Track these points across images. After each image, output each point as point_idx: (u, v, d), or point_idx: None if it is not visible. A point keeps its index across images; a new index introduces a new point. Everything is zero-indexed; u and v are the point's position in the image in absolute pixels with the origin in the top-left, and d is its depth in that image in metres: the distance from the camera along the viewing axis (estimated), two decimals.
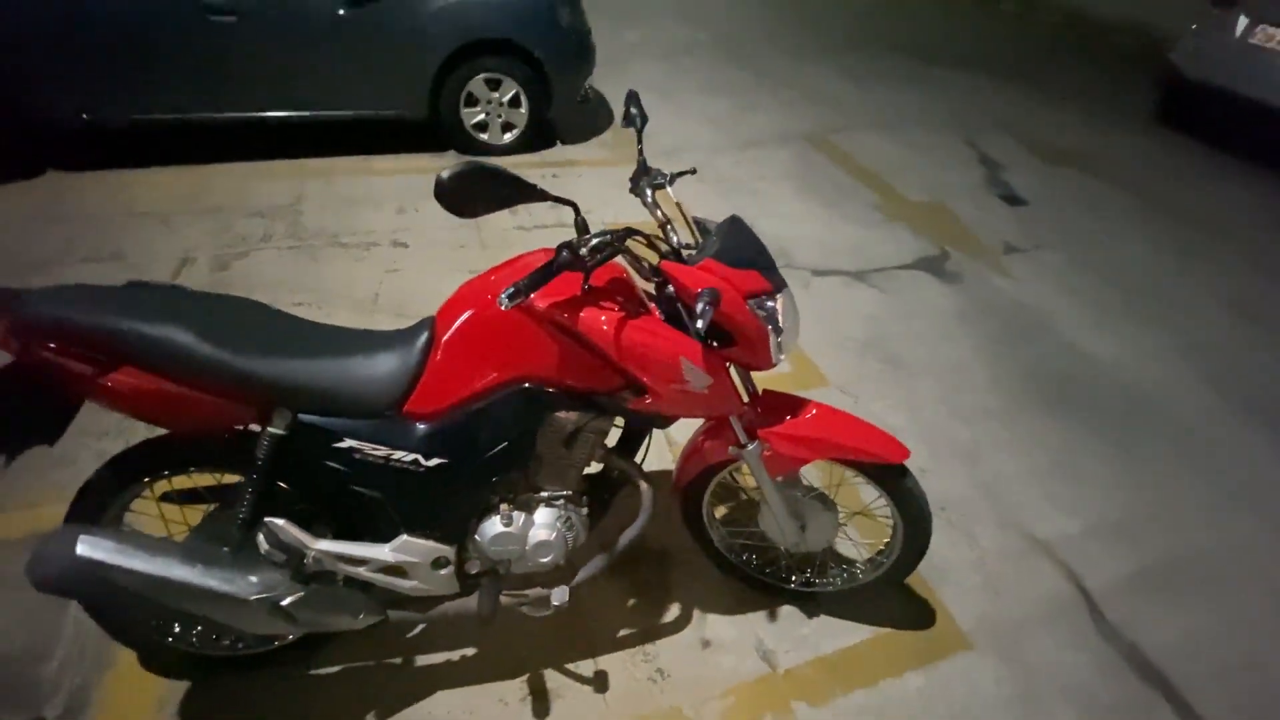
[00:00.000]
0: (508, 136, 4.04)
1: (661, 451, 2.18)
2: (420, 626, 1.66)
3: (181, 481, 1.36)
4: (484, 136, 3.98)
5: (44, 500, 1.86)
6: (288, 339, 1.23)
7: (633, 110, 1.45)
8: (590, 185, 3.87)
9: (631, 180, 1.46)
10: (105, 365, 1.10)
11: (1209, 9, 5.33)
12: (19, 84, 3.10)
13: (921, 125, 5.23)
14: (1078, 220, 4.05)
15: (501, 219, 3.41)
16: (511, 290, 1.04)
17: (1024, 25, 9.41)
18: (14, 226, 2.97)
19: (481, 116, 3.90)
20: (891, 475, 1.48)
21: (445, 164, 3.64)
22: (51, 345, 1.07)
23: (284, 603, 1.21)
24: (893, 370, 2.70)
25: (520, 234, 3.33)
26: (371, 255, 3.03)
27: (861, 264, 3.37)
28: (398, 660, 1.60)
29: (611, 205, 3.62)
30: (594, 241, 1.11)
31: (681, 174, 1.49)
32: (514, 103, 3.93)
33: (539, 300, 1.18)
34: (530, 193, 1.06)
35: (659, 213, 1.38)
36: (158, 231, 3.03)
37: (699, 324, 1.09)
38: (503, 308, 1.05)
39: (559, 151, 4.26)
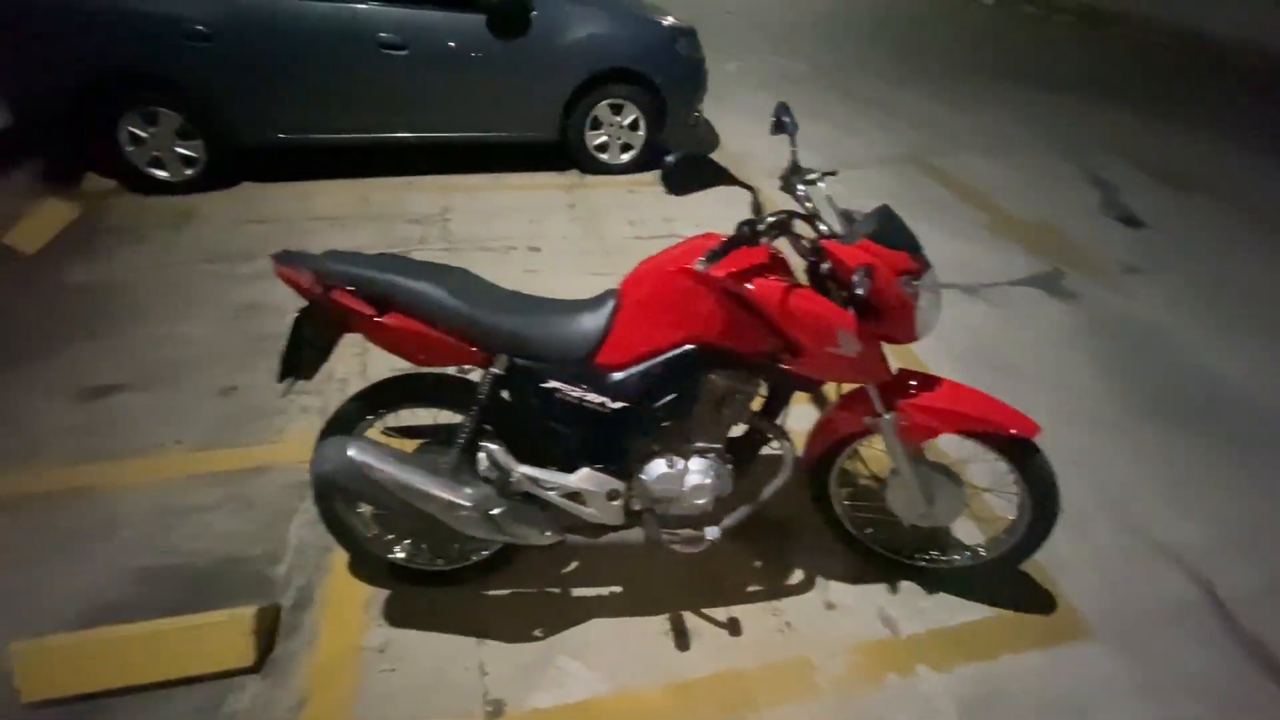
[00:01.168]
0: (625, 156, 4.38)
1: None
2: (574, 564, 1.90)
3: (403, 419, 1.67)
4: (604, 157, 4.34)
5: (262, 441, 2.25)
6: (505, 300, 1.52)
7: (785, 119, 1.68)
8: (700, 198, 4.11)
9: (782, 178, 1.67)
10: (381, 309, 1.41)
11: None
12: (228, 110, 3.71)
13: (1025, 148, 5.21)
14: (1201, 243, 3.93)
15: (622, 230, 3.72)
16: (707, 255, 1.27)
17: (1137, 51, 9.08)
18: (223, 225, 3.54)
19: (604, 138, 4.27)
20: (1023, 450, 1.59)
21: (567, 182, 4.03)
22: (350, 291, 1.39)
23: (493, 512, 1.48)
24: (1006, 379, 2.76)
25: (638, 242, 3.62)
26: (511, 259, 3.39)
27: (971, 279, 3.43)
28: (556, 589, 1.84)
29: (718, 217, 3.86)
30: (771, 219, 1.33)
31: (828, 174, 1.69)
32: (633, 126, 4.27)
33: (718, 270, 1.40)
34: (724, 177, 1.29)
35: (808, 205, 1.58)
36: (334, 233, 3.52)
37: (857, 293, 1.28)
38: (698, 269, 1.28)
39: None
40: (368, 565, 1.82)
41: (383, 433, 1.69)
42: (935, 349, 2.88)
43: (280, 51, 3.63)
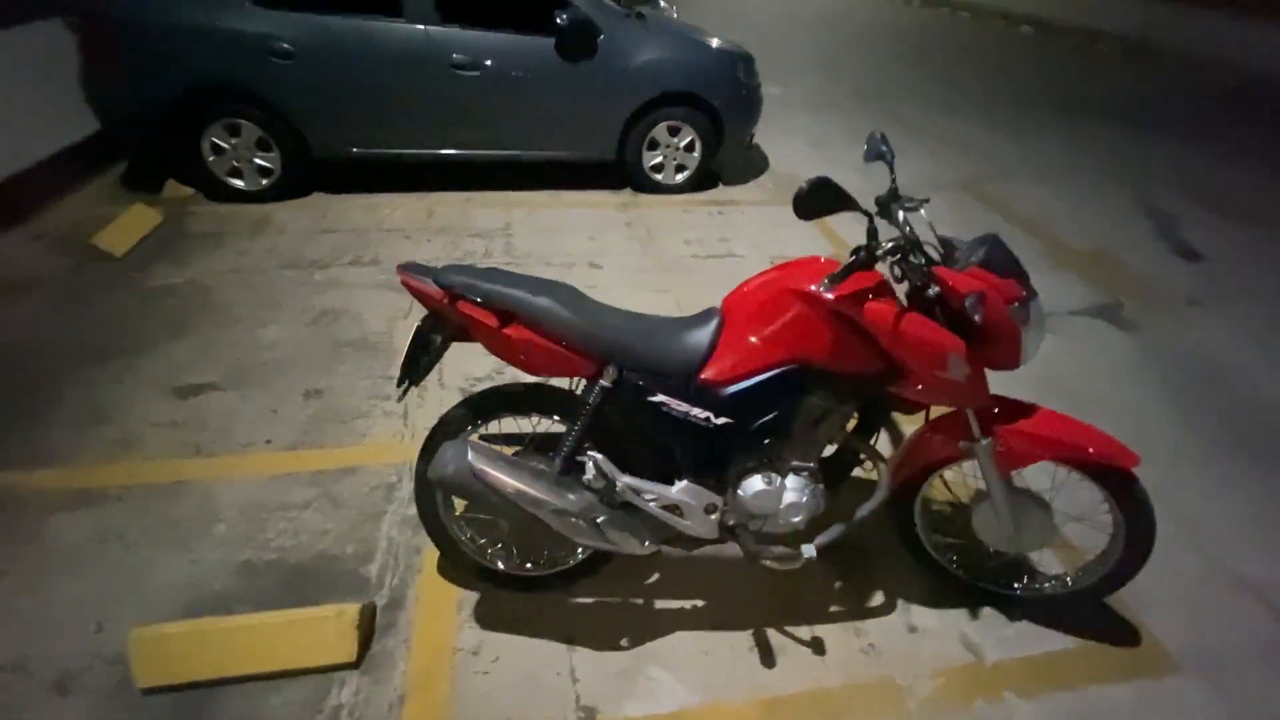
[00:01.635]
0: (679, 177, 4.46)
1: None
2: (655, 576, 1.93)
3: (504, 427, 1.72)
4: (659, 177, 4.43)
5: (348, 443, 2.33)
6: (611, 315, 1.57)
7: (883, 148, 1.72)
8: (753, 220, 4.20)
9: (878, 203, 1.71)
10: (504, 320, 1.48)
11: None
12: (306, 124, 3.87)
13: (1081, 178, 5.20)
14: (1263, 277, 3.88)
15: (679, 249, 3.78)
16: (830, 278, 1.32)
17: (1188, 82, 9.02)
18: (298, 234, 3.68)
19: (659, 159, 4.36)
20: (1120, 480, 1.59)
21: (622, 200, 4.12)
22: (477, 302, 1.46)
23: (599, 520, 1.52)
24: (1069, 407, 2.69)
25: (695, 260, 3.68)
26: (573, 274, 3.47)
27: None
28: (639, 601, 1.87)
29: (773, 238, 3.92)
30: (889, 245, 1.37)
31: (924, 201, 1.73)
32: (688, 147, 4.36)
33: (834, 292, 1.44)
34: (849, 203, 1.34)
35: (908, 230, 1.61)
36: (403, 244, 3.64)
37: (974, 319, 1.31)
38: (823, 292, 1.32)
39: (722, 192, 4.64)
40: (458, 567, 1.86)
41: (480, 438, 1.75)
42: (1001, 377, 2.87)
43: (358, 71, 3.78)
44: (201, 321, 2.91)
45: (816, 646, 1.78)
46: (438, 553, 1.88)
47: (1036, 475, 1.81)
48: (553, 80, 3.94)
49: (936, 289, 1.46)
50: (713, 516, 1.62)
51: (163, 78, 3.61)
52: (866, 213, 1.42)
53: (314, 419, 2.42)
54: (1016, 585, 1.89)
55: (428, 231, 3.80)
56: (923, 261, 1.50)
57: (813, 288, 1.40)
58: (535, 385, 1.65)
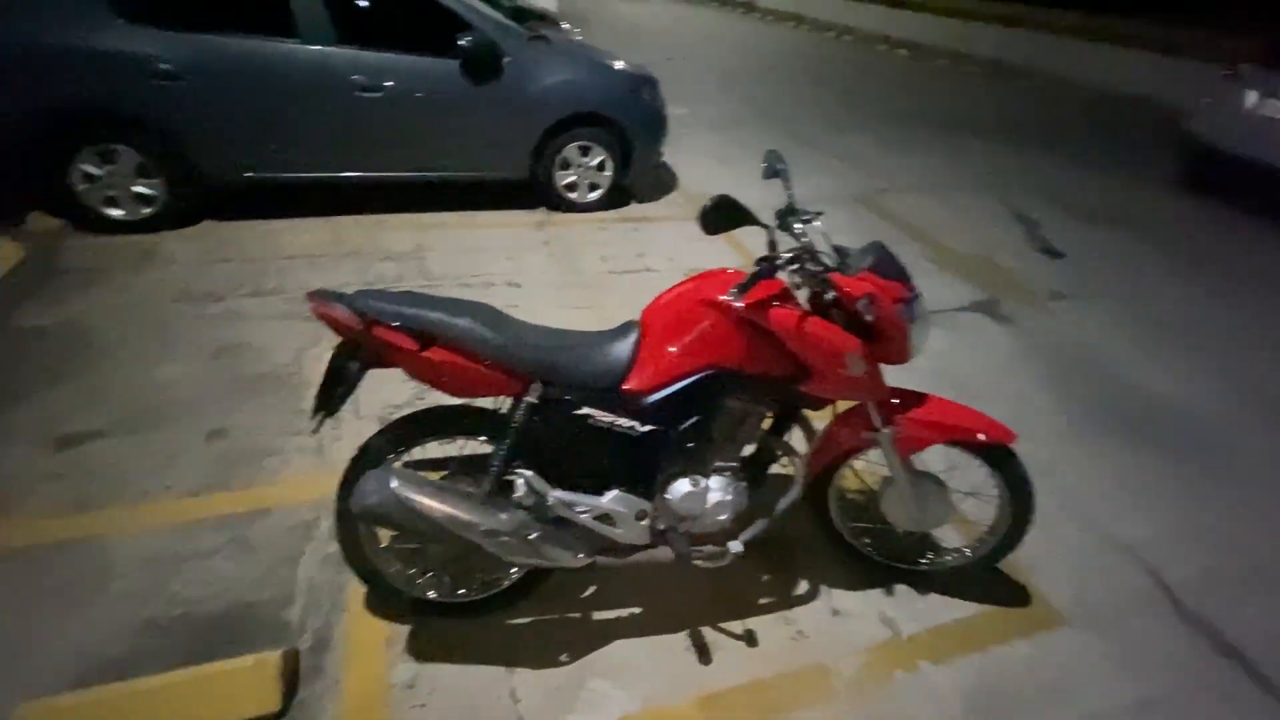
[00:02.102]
0: (592, 195, 4.54)
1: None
2: (591, 589, 1.95)
3: (428, 452, 1.70)
4: (573, 196, 4.49)
5: (259, 483, 2.21)
6: (531, 333, 1.60)
7: (779, 166, 1.85)
8: (666, 235, 4.33)
9: (777, 216, 1.83)
10: (424, 343, 1.47)
11: (1217, 83, 5.85)
12: (194, 149, 3.65)
13: (960, 188, 5.70)
14: (1117, 272, 4.41)
15: (597, 265, 3.85)
16: (739, 288, 1.41)
17: (1043, 99, 10.09)
18: (188, 265, 3.45)
19: (573, 178, 4.42)
20: (1001, 456, 1.78)
21: (538, 219, 4.15)
22: (394, 326, 1.45)
23: (531, 537, 1.53)
24: (962, 397, 2.96)
25: (613, 276, 3.75)
26: (492, 294, 3.45)
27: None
28: (577, 615, 1.88)
29: (686, 251, 4.06)
30: (789, 255, 1.48)
31: (818, 214, 1.87)
32: (600, 166, 4.45)
33: (742, 300, 1.54)
34: (750, 219, 1.44)
35: (805, 240, 1.75)
36: (308, 272, 3.49)
37: (867, 319, 1.44)
38: (732, 301, 1.41)
39: (635, 209, 4.76)
40: (388, 601, 1.81)
41: (404, 465, 1.72)
42: (899, 371, 3.10)
43: (252, 93, 3.62)
44: (82, 365, 2.67)
45: (749, 639, 1.86)
46: (364, 589, 1.82)
47: (933, 458, 1.98)
48: (459, 102, 3.93)
49: (833, 293, 1.59)
50: (644, 523, 1.66)
51: (22, 102, 3.31)
52: (766, 226, 1.53)
53: (219, 461, 2.28)
54: (923, 561, 2.05)
55: (334, 257, 3.67)
56: (820, 269, 1.63)
57: (723, 297, 1.49)
58: (457, 407, 1.64)
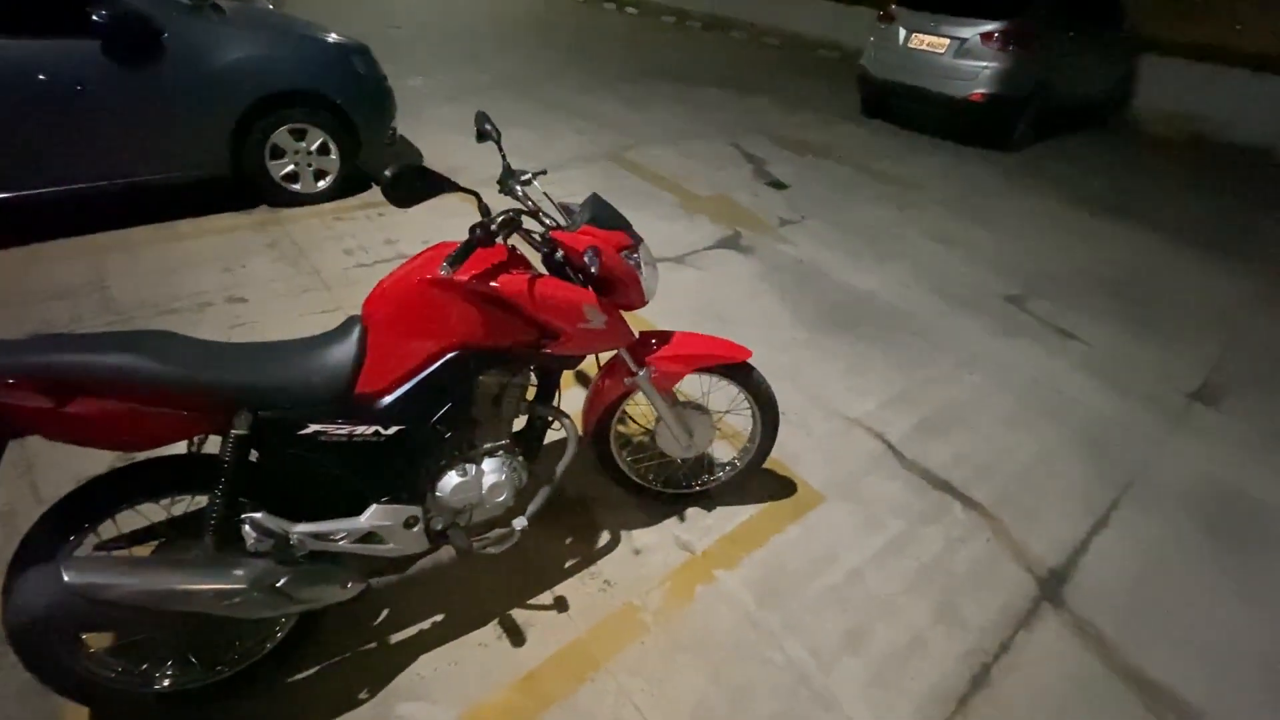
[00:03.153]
0: (321, 184, 4.05)
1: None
2: (385, 612, 1.79)
3: (122, 525, 1.39)
4: (296, 186, 3.95)
5: None
6: (226, 353, 1.36)
7: (487, 126, 1.78)
8: (416, 216, 4.03)
9: (499, 181, 1.78)
10: (62, 398, 1.16)
11: (877, 25, 7.01)
12: None
13: (696, 136, 6.14)
14: (826, 194, 5.12)
15: (339, 260, 3.46)
16: (449, 260, 1.32)
17: (754, 48, 11.21)
18: None
19: (291, 167, 3.89)
20: (743, 372, 1.97)
21: (258, 219, 3.63)
22: (10, 384, 1.12)
23: (278, 584, 1.34)
24: (722, 325, 3.29)
25: (362, 270, 3.42)
26: (208, 316, 2.93)
27: (678, 250, 3.98)
28: (373, 645, 1.72)
29: (441, 231, 3.84)
30: (500, 219, 1.43)
31: (538, 173, 1.85)
32: (323, 150, 3.96)
33: (462, 274, 1.46)
34: (447, 185, 1.35)
35: (529, 203, 1.72)
36: None
37: (592, 272, 1.46)
38: (444, 275, 1.32)
39: (376, 193, 4.34)
40: (125, 713, 1.48)
41: (98, 548, 1.39)
42: (664, 312, 3.30)
43: None
44: None
45: (560, 605, 1.87)
46: (87, 710, 1.47)
47: (691, 386, 2.13)
48: (111, 91, 3.17)
49: (560, 252, 1.59)
50: (416, 529, 1.55)
51: None
52: (472, 192, 1.46)
53: None
54: (705, 480, 2.23)
55: None
56: (543, 229, 1.62)
57: (437, 272, 1.40)
58: (142, 464, 1.34)
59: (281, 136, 3.77)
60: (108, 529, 1.36)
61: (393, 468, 1.50)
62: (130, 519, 1.38)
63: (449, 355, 1.50)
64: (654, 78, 8.18)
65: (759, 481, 2.32)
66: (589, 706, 1.64)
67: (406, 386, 1.47)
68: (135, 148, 3.38)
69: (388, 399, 1.45)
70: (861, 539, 2.20)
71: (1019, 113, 6.53)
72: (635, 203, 4.54)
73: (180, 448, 1.42)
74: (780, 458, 2.45)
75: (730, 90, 7.90)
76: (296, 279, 3.27)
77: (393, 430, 1.46)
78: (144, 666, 1.47)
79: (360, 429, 1.42)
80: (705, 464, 2.28)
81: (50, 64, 3.03)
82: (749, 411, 2.08)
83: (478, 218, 1.63)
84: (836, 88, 8.50)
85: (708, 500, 2.23)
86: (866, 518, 2.29)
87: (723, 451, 2.43)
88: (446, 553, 1.64)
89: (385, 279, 1.52)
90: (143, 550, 1.43)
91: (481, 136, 1.78)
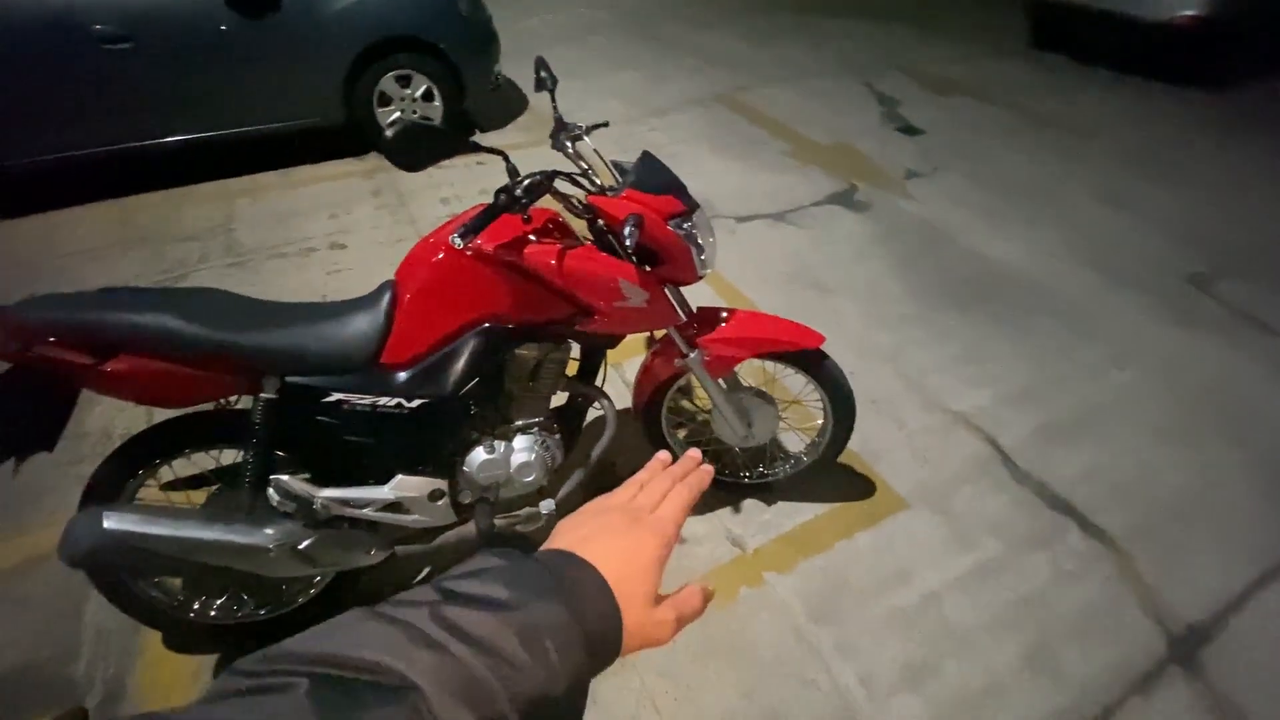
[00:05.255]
0: None
1: (621, 395, 2.38)
2: (426, 570, 1.82)
3: (181, 468, 1.48)
4: None
5: (33, 527, 1.92)
6: (262, 315, 1.36)
7: (542, 74, 1.63)
8: (522, 167, 3.99)
9: (551, 136, 1.63)
10: (102, 355, 1.22)
11: None
12: None
13: (820, 74, 5.53)
14: (969, 142, 4.43)
15: (435, 210, 3.51)
16: (461, 230, 1.21)
17: None
18: None
19: (397, 114, 3.96)
20: (813, 360, 1.72)
21: (368, 167, 3.67)
22: (51, 341, 1.18)
23: (301, 546, 1.36)
24: (818, 294, 2.97)
25: None
26: (312, 260, 3.10)
27: (780, 206, 3.63)
28: None
29: None
30: (526, 182, 1.29)
31: (596, 126, 1.67)
32: (427, 97, 4.00)
33: (486, 243, 1.35)
34: (462, 145, 1.22)
35: (580, 162, 1.56)
36: (89, 269, 3.01)
37: (628, 244, 1.29)
38: (456, 246, 1.22)
39: (479, 140, 4.35)
40: (186, 636, 1.63)
41: (163, 488, 1.50)
42: (754, 277, 3.03)
43: None
44: None
45: None
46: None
47: (756, 371, 1.91)
48: (234, 42, 3.36)
49: (602, 220, 1.42)
50: (441, 502, 1.52)
51: None
52: (499, 152, 1.32)
53: None
54: (767, 472, 2.03)
55: (122, 246, 3.18)
56: (583, 194, 1.45)
57: (453, 239, 1.29)
58: (192, 416, 1.41)
59: (388, 83, 3.84)
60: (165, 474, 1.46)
61: (418, 440, 1.46)
62: (185, 467, 1.47)
63: (477, 328, 1.41)
64: (779, 9, 7.45)
65: (831, 478, 2.08)
66: (607, 700, 1.57)
67: (431, 359, 1.41)
68: (260, 97, 3.59)
69: (412, 371, 1.40)
70: (945, 558, 1.91)
71: (1237, 42, 5.20)
72: (739, 151, 4.19)
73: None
74: (860, 452, 2.18)
75: (868, 20, 7.02)
76: (394, 228, 3.37)
77: (416, 403, 1.41)
78: (202, 598, 1.59)
79: (383, 400, 1.39)
80: (768, 454, 2.08)
81: (179, 16, 3.25)
82: (819, 404, 1.83)
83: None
84: (1001, 14, 7.27)
85: (767, 493, 2.04)
86: (956, 533, 1.98)
87: (791, 441, 2.21)
88: (470, 529, 1.60)
89: (418, 244, 1.45)
90: (199, 496, 1.53)
91: (538, 85, 1.63)
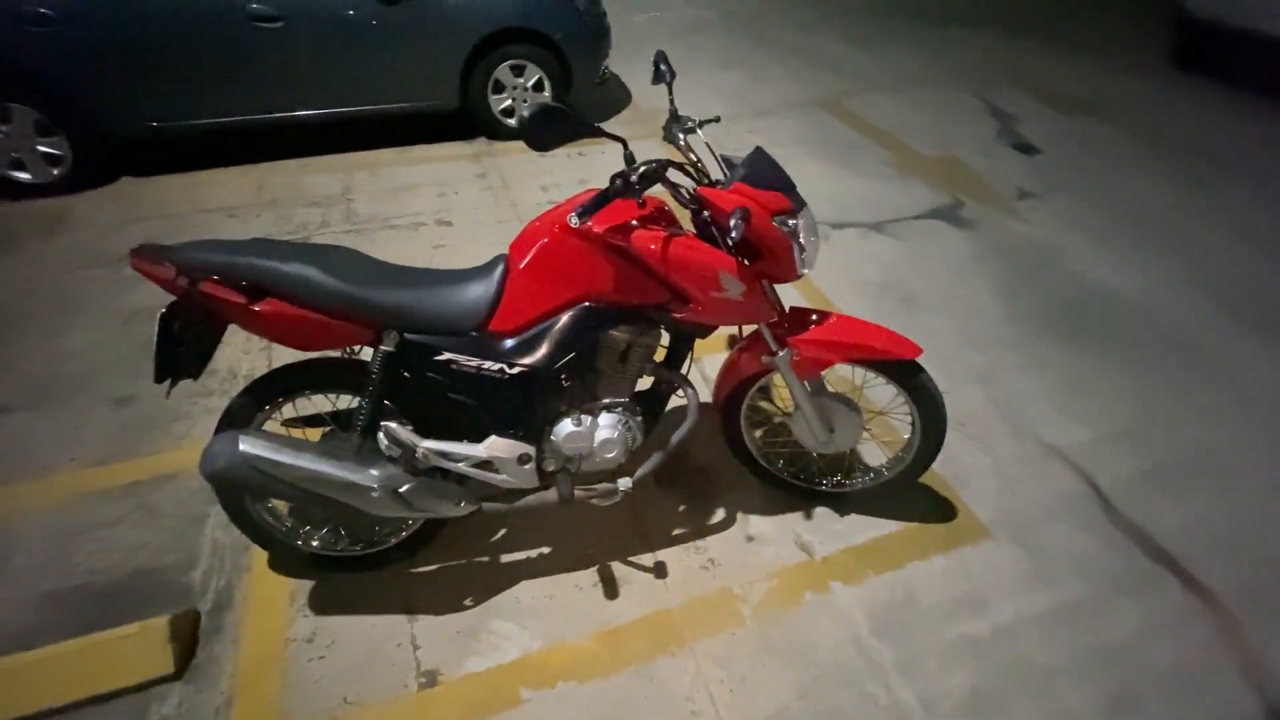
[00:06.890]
0: None
1: (700, 388, 2.40)
2: (502, 532, 1.92)
3: (302, 408, 1.63)
4: (511, 121, 4.21)
5: (165, 448, 2.16)
6: (390, 275, 1.48)
7: (662, 67, 1.67)
8: (613, 159, 4.08)
9: (665, 128, 1.67)
10: (254, 297, 1.36)
11: None
12: (88, 100, 3.41)
13: (930, 84, 5.33)
14: (1090, 164, 4.15)
15: (535, 196, 3.65)
16: (580, 210, 1.27)
17: None
18: (102, 227, 3.30)
19: (508, 102, 4.14)
20: (907, 372, 1.68)
21: (475, 150, 3.85)
22: (214, 280, 1.33)
23: (401, 490, 1.47)
24: (909, 308, 2.89)
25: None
26: (420, 234, 3.29)
27: (877, 216, 3.54)
28: (485, 559, 1.86)
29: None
30: (641, 169, 1.33)
31: (708, 121, 1.70)
32: (537, 87, 4.15)
33: (597, 225, 1.41)
34: (589, 129, 1.28)
35: (691, 154, 1.59)
36: (228, 225, 3.33)
37: (732, 236, 1.32)
38: (573, 225, 1.28)
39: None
40: (288, 559, 1.79)
41: (283, 424, 1.65)
42: (845, 286, 2.98)
43: (137, 31, 3.33)
44: None
45: (659, 571, 1.84)
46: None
47: (844, 377, 1.89)
48: (371, 24, 3.61)
49: (706, 211, 1.45)
50: (528, 466, 1.60)
51: None
52: (619, 139, 1.38)
53: (125, 428, 2.22)
54: (844, 481, 2.00)
55: (255, 207, 3.49)
56: (693, 184, 1.49)
57: (569, 219, 1.35)
58: (324, 359, 1.55)
59: (503, 72, 4.02)
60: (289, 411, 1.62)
61: (513, 405, 1.55)
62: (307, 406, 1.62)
63: (577, 306, 1.48)
64: (895, 13, 7.22)
65: (910, 496, 2.02)
66: (665, 679, 1.61)
67: (533, 330, 1.49)
68: (387, 78, 3.84)
69: (515, 340, 1.49)
70: (1024, 593, 1.83)
71: None
72: (838, 157, 4.11)
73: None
74: (944, 474, 2.11)
75: (987, 29, 6.69)
76: (496, 210, 3.52)
77: (516, 370, 1.49)
78: (306, 528, 1.74)
79: (487, 364, 1.48)
80: (847, 463, 2.05)
81: (332, 1, 3.52)
82: (908, 418, 1.79)
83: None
84: (1134, 31, 6.76)
85: (841, 503, 2.01)
86: (1038, 570, 1.89)
87: (872, 454, 2.16)
88: (552, 495, 1.67)
89: (531, 222, 1.53)
90: (313, 435, 1.67)
91: (657, 78, 1.68)
